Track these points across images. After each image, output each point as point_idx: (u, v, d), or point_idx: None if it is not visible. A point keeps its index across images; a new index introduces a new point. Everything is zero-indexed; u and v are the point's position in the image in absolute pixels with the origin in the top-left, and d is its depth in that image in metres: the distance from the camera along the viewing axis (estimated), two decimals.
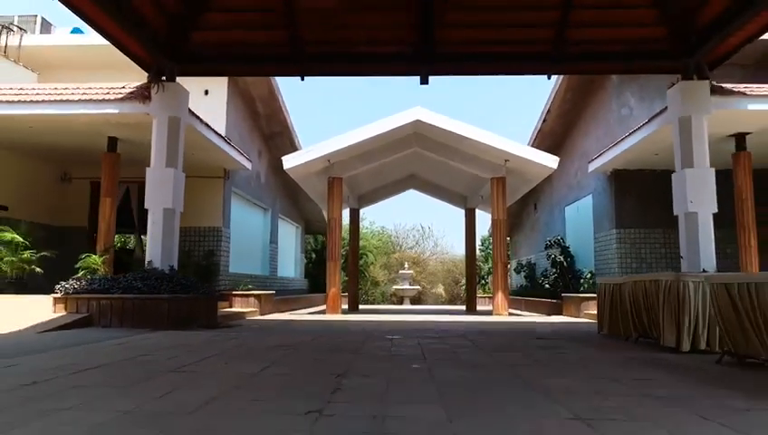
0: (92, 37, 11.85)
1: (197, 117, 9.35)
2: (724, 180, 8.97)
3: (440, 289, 33.93)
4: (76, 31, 13.82)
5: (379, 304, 27.75)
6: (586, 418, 2.45)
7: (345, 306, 15.44)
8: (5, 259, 8.63)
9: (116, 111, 8.37)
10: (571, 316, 11.28)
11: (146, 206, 8.06)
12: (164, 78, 8.32)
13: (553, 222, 16.09)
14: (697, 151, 7.71)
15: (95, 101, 8.38)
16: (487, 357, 4.72)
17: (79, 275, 8.07)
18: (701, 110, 7.79)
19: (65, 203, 12.12)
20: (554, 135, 15.12)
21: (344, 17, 8.13)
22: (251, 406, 2.67)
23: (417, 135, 12.04)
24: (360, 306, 17.80)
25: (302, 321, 9.99)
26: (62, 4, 6.52)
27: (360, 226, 19.92)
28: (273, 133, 15.48)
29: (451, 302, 30.81)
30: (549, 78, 8.85)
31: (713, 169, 7.72)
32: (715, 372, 3.97)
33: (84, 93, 8.50)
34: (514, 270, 19.27)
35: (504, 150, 11.58)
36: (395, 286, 27.75)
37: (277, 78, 13.54)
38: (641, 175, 11.52)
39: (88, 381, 3.29)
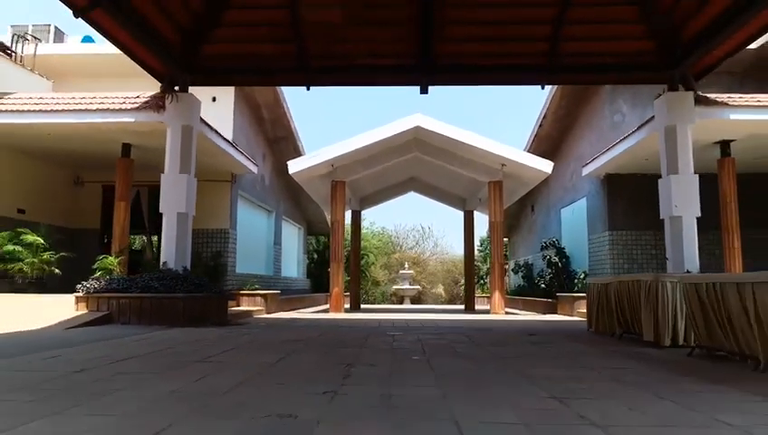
0: (104, 46, 12.35)
1: (208, 125, 9.81)
2: (712, 185, 9.46)
3: (440, 289, 34.38)
4: (87, 39, 14.29)
5: (379, 303, 28.19)
6: (560, 397, 2.90)
7: (347, 306, 15.89)
8: (26, 260, 9.09)
9: (132, 120, 8.82)
10: (565, 315, 11.73)
11: (161, 210, 8.50)
12: (177, 88, 8.78)
13: (550, 223, 16.54)
14: (682, 159, 8.16)
15: (112, 110, 8.84)
16: (481, 350, 5.18)
17: (96, 275, 8.52)
18: (685, 119, 8.24)
19: (78, 206, 12.58)
20: (551, 139, 15.58)
21: (348, 31, 8.59)
22: (276, 387, 3.13)
23: (418, 141, 12.50)
24: (362, 306, 18.25)
25: (308, 319, 10.44)
26: (87, 25, 6.99)
27: (361, 226, 20.36)
28: (278, 138, 15.94)
29: (451, 302, 31.25)
30: (543, 88, 9.30)
31: (696, 176, 8.17)
32: (685, 363, 4.42)
33: (101, 103, 8.96)
34: (512, 270, 19.72)
35: (501, 155, 12.03)
36: (395, 286, 28.19)
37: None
38: (633, 179, 11.97)
39: (128, 369, 3.75)
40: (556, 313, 12.37)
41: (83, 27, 6.80)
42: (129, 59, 8.49)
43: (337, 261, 12.90)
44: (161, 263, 8.40)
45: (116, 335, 6.01)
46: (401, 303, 26.44)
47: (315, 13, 8.28)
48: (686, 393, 3.08)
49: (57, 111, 8.87)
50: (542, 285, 14.30)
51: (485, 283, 25.77)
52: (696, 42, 7.93)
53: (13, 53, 11.15)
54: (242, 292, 11.64)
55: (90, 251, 11.36)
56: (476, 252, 24.77)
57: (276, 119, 15.08)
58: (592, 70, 9.05)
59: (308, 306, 16.93)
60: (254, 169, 12.75)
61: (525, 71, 8.99)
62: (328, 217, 17.79)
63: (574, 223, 14.49)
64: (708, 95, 8.87)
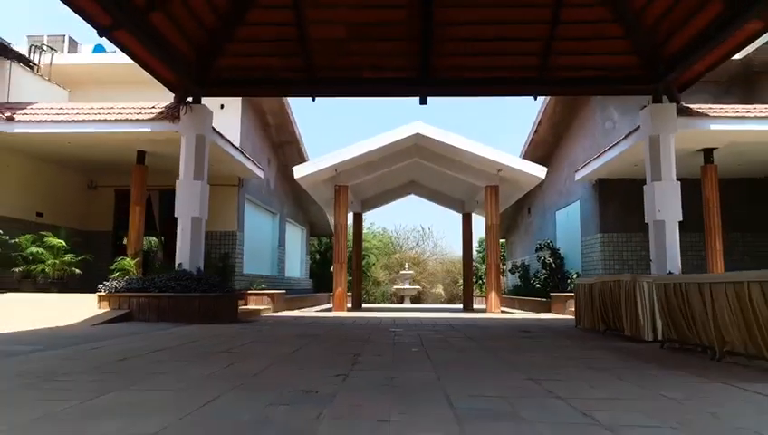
0: (115, 56, 12.92)
1: (218, 133, 10.36)
2: (698, 189, 10.02)
3: (440, 289, 34.91)
4: (99, 48, 14.83)
5: (380, 303, 28.74)
6: (535, 378, 3.46)
7: (349, 305, 16.43)
8: (48, 262, 9.64)
9: (148, 130, 9.38)
10: (558, 314, 12.27)
11: (176, 214, 9.05)
12: (190, 99, 9.33)
13: (545, 225, 17.10)
14: (665, 166, 8.70)
15: (129, 120, 9.39)
16: (474, 344, 5.73)
17: (115, 275, 9.07)
18: (668, 129, 8.79)
19: (91, 209, 13.13)
20: (546, 144, 16.14)
21: (352, 46, 9.14)
22: (295, 371, 3.69)
23: (418, 147, 13.05)
24: (363, 305, 18.80)
25: (313, 317, 10.98)
26: (110, 42, 7.54)
27: (362, 228, 20.90)
28: (282, 142, 16.50)
29: (450, 301, 31.79)
30: (535, 99, 9.86)
31: (678, 183, 8.71)
32: (654, 355, 4.97)
33: (119, 113, 9.51)
34: (509, 271, 20.26)
35: (497, 161, 12.58)
36: (395, 286, 28.73)
37: None
38: (623, 183, 12.51)
39: (163, 358, 4.30)
40: (550, 311, 12.91)
41: (95, 36, 7.33)
42: (140, 68, 9.01)
43: (340, 262, 13.44)
44: (176, 264, 8.94)
45: (140, 331, 6.55)
46: (401, 302, 26.98)
47: (321, 29, 8.83)
48: (643, 376, 3.63)
49: (78, 121, 9.42)
50: (537, 285, 14.85)
51: (484, 283, 26.29)
52: (677, 58, 8.47)
53: (34, 66, 11.69)
54: (250, 291, 12.19)
55: (103, 252, 11.93)
56: (475, 253, 25.33)
57: (281, 124, 15.64)
58: (581, 82, 9.61)
59: (311, 306, 17.47)
60: (260, 173, 13.30)
61: (518, 83, 9.54)
62: (330, 220, 18.36)
63: (568, 225, 15.04)
64: (691, 106, 9.42)
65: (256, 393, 2.90)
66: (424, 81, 9.29)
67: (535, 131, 15.79)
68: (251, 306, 11.58)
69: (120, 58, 11.01)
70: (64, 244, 9.85)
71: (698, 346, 4.81)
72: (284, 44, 9.14)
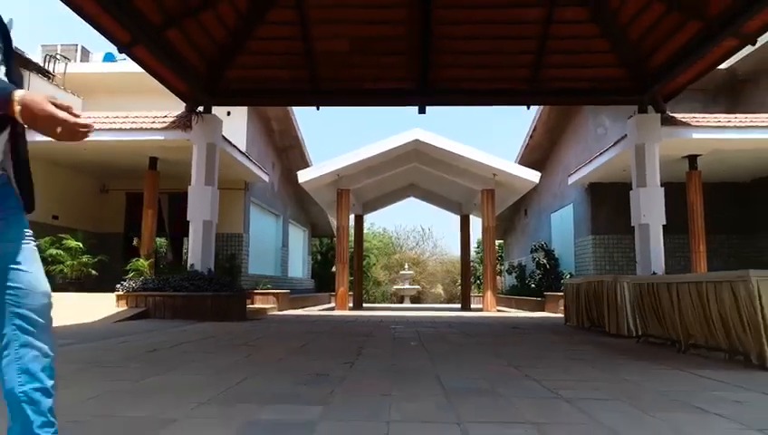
0: (126, 64, 13.43)
1: (227, 140, 10.88)
2: (684, 193, 10.54)
3: (439, 289, 35.44)
4: (108, 56, 15.37)
5: (380, 302, 29.27)
6: (517, 365, 3.98)
7: (350, 304, 16.95)
8: (67, 263, 10.16)
9: (161, 138, 9.90)
10: (551, 312, 12.78)
11: (188, 218, 9.56)
12: (201, 109, 9.85)
13: (541, 227, 17.62)
14: (650, 173, 9.22)
15: (144, 129, 9.91)
16: (467, 339, 6.25)
17: (130, 275, 9.59)
18: (653, 138, 9.31)
19: (103, 212, 13.65)
20: (541, 148, 16.67)
21: (354, 59, 9.66)
22: (308, 360, 4.21)
23: (417, 152, 13.57)
24: (364, 305, 19.32)
25: (317, 316, 11.50)
26: (128, 57, 8.07)
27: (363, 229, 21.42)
28: (286, 147, 17.03)
29: (450, 301, 32.30)
30: (528, 108, 10.39)
31: (662, 189, 9.23)
32: (629, 348, 5.48)
33: (133, 122, 10.03)
34: (507, 271, 20.78)
35: (493, 166, 13.11)
36: (396, 286, 29.25)
37: None
38: (614, 187, 13.02)
39: (188, 350, 4.82)
40: (544, 311, 13.42)
41: (105, 44, 7.83)
42: (150, 77, 9.50)
43: (342, 263, 13.96)
44: (189, 265, 9.46)
45: (159, 328, 7.07)
46: (401, 302, 27.49)
47: (326, 44, 9.35)
48: (613, 365, 4.15)
49: (95, 129, 9.91)
50: (533, 286, 15.37)
51: (482, 283, 26.79)
52: (661, 71, 8.99)
53: (52, 77, 12.21)
54: (256, 291, 12.71)
55: (114, 253, 12.46)
56: (474, 253, 25.86)
57: (285, 130, 16.17)
58: (571, 93, 10.14)
59: (313, 305, 17.99)
60: (265, 177, 13.83)
61: (512, 94, 10.06)
62: (332, 221, 18.89)
63: (563, 227, 15.56)
64: (675, 115, 9.95)
65: (278, 376, 3.43)
66: (423, 91, 9.81)
67: (531, 136, 16.32)
68: (257, 305, 12.09)
69: (130, 67, 11.51)
70: (81, 246, 10.37)
71: (669, 340, 5.33)
72: (291, 58, 9.66)
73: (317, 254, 25.66)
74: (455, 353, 4.82)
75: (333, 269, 19.54)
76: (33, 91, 1.41)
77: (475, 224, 19.26)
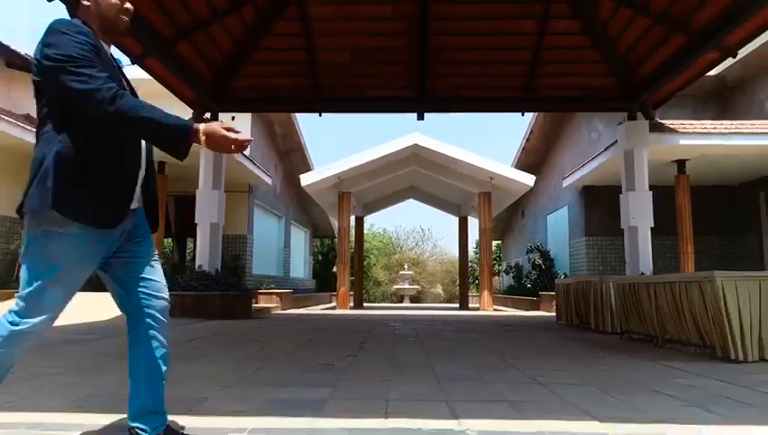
0: (134, 71, 13.82)
1: None
2: (673, 196, 10.97)
3: (439, 289, 35.87)
4: (116, 62, 15.74)
5: (380, 302, 29.68)
6: (504, 357, 4.39)
7: (351, 304, 17.37)
8: None
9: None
10: (546, 311, 13.20)
11: (196, 221, 9.97)
12: (207, 115, 10.26)
13: (537, 228, 18.04)
14: (638, 178, 9.62)
15: None
16: (462, 335, 6.67)
17: None
18: (642, 144, 9.71)
19: None
20: (537, 152, 17.10)
21: (356, 69, 10.06)
22: (315, 353, 4.63)
23: (416, 156, 14.00)
24: (364, 304, 19.74)
25: (319, 314, 11.92)
26: (140, 67, 8.49)
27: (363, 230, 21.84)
28: (288, 150, 17.46)
29: (449, 301, 32.72)
30: (522, 115, 10.81)
31: (650, 193, 9.62)
32: (612, 343, 5.90)
33: None
34: (504, 271, 21.19)
35: (489, 170, 13.54)
36: (395, 286, 29.66)
37: None
38: (607, 190, 13.43)
39: (202, 345, 5.24)
40: (539, 310, 13.84)
41: (113, 50, 8.27)
42: (156, 83, 9.85)
43: (343, 263, 14.38)
44: (197, 266, 9.87)
45: (172, 325, 7.46)
46: (401, 302, 27.90)
47: (328, 54, 9.76)
48: (592, 357, 4.57)
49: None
50: (528, 285, 15.79)
51: (480, 283, 27.20)
52: (649, 80, 9.39)
53: None
54: (260, 291, 13.12)
55: None
56: (473, 253, 26.27)
57: (287, 133, 16.59)
58: (564, 101, 10.55)
59: (314, 304, 18.41)
60: (268, 181, 14.25)
61: (507, 102, 10.47)
62: (333, 222, 19.31)
63: (558, 229, 15.98)
64: (663, 122, 10.37)
65: (289, 366, 3.85)
66: (421, 99, 10.21)
67: (527, 140, 16.75)
68: (261, 304, 12.51)
69: (138, 73, 11.90)
70: None
71: (648, 336, 5.75)
72: (295, 67, 10.07)
73: (318, 254, 26.09)
74: (449, 348, 5.23)
75: (334, 269, 19.97)
76: (209, 123, 1.84)
77: (473, 225, 19.70)
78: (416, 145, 13.42)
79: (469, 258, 21.11)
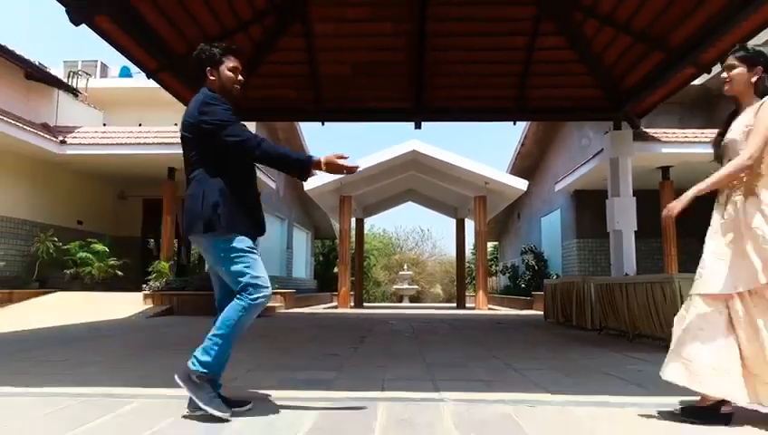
0: (141, 80, 14.42)
1: None
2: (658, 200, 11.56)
3: (438, 289, 36.40)
4: (125, 70, 16.38)
5: (380, 302, 30.27)
6: (489, 349, 4.98)
7: (352, 303, 17.96)
8: (95, 265, 11.17)
9: (180, 151, 10.87)
10: (538, 311, 13.77)
11: None
12: None
13: (532, 230, 18.64)
14: (623, 184, 10.21)
15: (165, 143, 10.92)
16: (454, 331, 7.26)
17: (153, 277, 10.59)
18: (626, 153, 10.30)
19: (121, 217, 14.65)
20: (532, 156, 17.70)
21: (356, 81, 10.65)
22: (320, 345, 5.23)
23: (414, 161, 14.59)
24: (364, 304, 20.34)
25: (322, 313, 12.52)
26: (155, 82, 9.10)
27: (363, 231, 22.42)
28: None
29: (448, 301, 33.21)
30: (515, 124, 11.40)
31: (634, 199, 10.20)
32: (590, 338, 6.48)
33: (156, 136, 11.05)
34: (500, 272, 21.79)
35: (484, 175, 14.13)
36: (395, 286, 30.23)
37: None
38: (597, 194, 13.96)
39: None
40: (532, 309, 14.43)
41: (121, 59, 8.89)
42: (163, 91, 10.41)
43: (344, 264, 14.98)
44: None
45: (187, 323, 8.07)
46: (401, 301, 28.45)
47: (330, 68, 10.34)
48: (566, 349, 5.16)
49: (120, 143, 10.96)
50: (522, 285, 16.38)
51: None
52: (632, 92, 9.97)
53: (78, 94, 13.22)
54: None
55: (132, 256, 13.46)
56: (470, 254, 26.84)
57: (290, 138, 17.19)
58: (553, 111, 11.14)
59: (316, 304, 18.98)
60: (272, 184, 14.85)
61: (499, 112, 11.06)
62: (334, 225, 19.90)
63: (551, 231, 16.57)
64: (648, 130, 10.97)
65: (299, 355, 4.44)
66: (419, 109, 10.80)
67: (522, 145, 17.35)
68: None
69: (147, 82, 12.51)
70: (107, 249, 11.38)
71: (622, 331, 6.34)
72: (298, 80, 10.65)
73: (319, 255, 26.69)
74: (441, 342, 5.82)
75: (335, 270, 20.57)
76: (328, 155, 2.47)
77: (470, 227, 20.28)
78: (414, 151, 14.02)
79: (467, 259, 21.72)
